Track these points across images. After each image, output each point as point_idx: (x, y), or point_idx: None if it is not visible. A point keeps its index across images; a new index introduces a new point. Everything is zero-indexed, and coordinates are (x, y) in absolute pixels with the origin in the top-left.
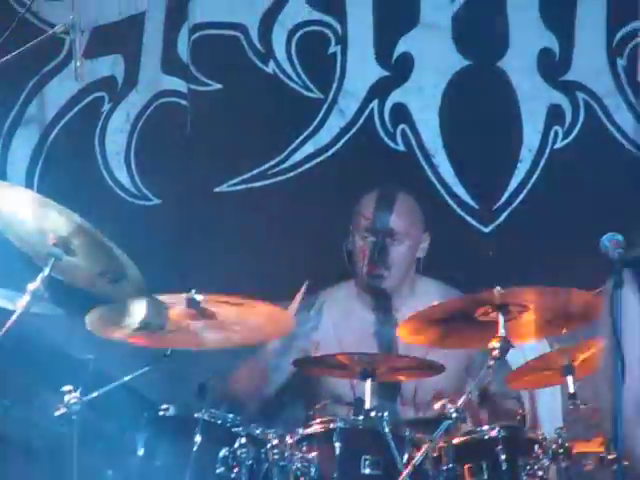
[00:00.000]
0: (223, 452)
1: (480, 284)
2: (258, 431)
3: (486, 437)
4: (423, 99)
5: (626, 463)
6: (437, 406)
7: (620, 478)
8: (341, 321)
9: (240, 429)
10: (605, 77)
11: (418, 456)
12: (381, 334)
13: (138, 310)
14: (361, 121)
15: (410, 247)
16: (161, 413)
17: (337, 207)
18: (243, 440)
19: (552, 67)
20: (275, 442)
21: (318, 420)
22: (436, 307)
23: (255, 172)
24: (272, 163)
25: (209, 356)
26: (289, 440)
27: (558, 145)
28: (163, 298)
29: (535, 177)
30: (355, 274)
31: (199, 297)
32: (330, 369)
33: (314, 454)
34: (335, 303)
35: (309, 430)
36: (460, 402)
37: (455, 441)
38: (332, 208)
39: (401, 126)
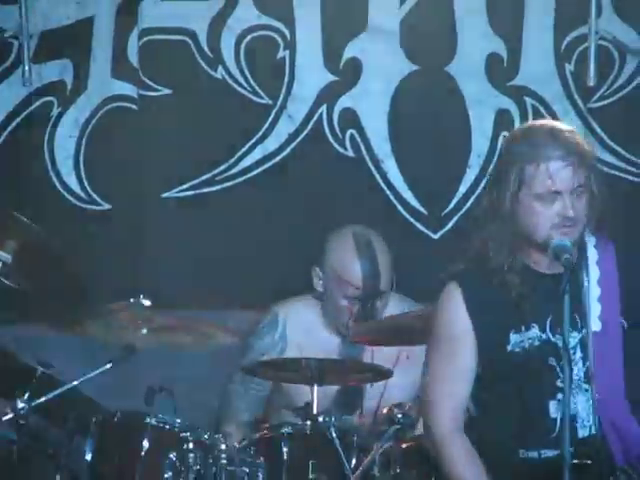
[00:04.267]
0: (171, 457)
1: (430, 292)
2: (206, 436)
3: None
4: (371, 104)
5: None
6: (384, 411)
7: None
8: (306, 343)
9: (188, 434)
10: (553, 82)
11: (366, 461)
12: (345, 351)
13: None
14: (310, 126)
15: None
16: (109, 418)
17: (286, 212)
18: (191, 445)
19: (500, 72)
20: (223, 447)
21: (266, 425)
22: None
23: (204, 178)
24: (221, 169)
25: (157, 363)
26: (237, 445)
27: None
28: None
29: (484, 183)
30: (330, 318)
31: (147, 302)
32: (278, 374)
33: (262, 459)
34: (299, 324)
35: (257, 435)
36: (407, 408)
37: (403, 446)
38: (281, 214)
39: (350, 131)
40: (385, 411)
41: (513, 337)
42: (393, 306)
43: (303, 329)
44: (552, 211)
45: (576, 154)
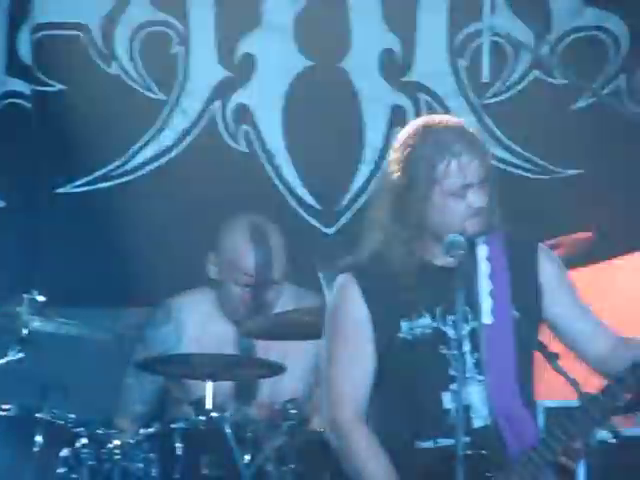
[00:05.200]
0: (64, 452)
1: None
2: (100, 431)
3: None
4: (265, 100)
5: None
6: (277, 407)
7: None
8: (202, 334)
9: (82, 429)
10: (447, 78)
11: (260, 457)
12: (241, 342)
13: None
14: (204, 122)
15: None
16: (1, 413)
17: (180, 208)
18: (85, 440)
19: (394, 68)
20: (117, 442)
21: (160, 420)
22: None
23: (98, 173)
24: (115, 164)
25: (51, 357)
26: (131, 440)
27: None
28: None
29: (377, 180)
30: (225, 307)
31: (41, 298)
32: (171, 369)
33: (156, 454)
34: (194, 316)
35: (150, 430)
36: (300, 403)
37: (297, 441)
38: (175, 209)
39: (243, 127)
40: (278, 407)
41: (404, 324)
42: (290, 297)
43: (199, 320)
44: (464, 205)
45: (478, 145)
